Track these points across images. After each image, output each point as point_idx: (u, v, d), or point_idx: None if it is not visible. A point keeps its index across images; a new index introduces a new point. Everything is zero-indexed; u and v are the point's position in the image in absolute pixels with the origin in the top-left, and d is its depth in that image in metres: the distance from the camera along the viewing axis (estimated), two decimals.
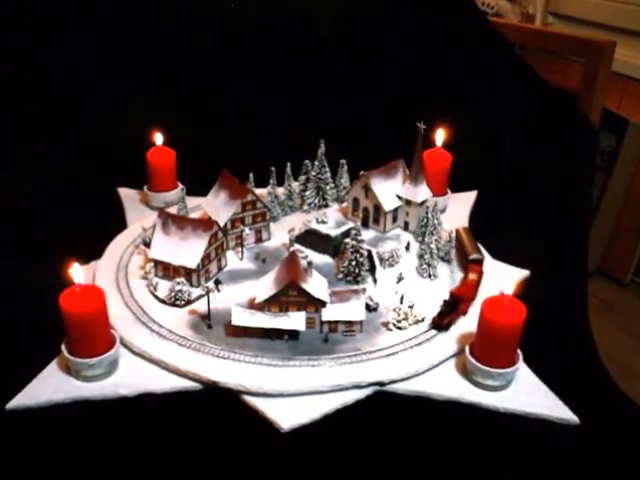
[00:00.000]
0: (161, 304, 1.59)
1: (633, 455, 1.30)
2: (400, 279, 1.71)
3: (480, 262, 1.71)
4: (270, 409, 1.32)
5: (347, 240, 1.70)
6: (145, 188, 2.08)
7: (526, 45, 2.99)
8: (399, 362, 1.43)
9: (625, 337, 2.67)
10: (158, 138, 2.05)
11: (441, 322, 1.52)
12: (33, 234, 1.84)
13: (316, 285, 1.53)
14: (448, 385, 1.41)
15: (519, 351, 1.40)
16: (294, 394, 1.35)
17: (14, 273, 1.70)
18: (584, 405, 1.36)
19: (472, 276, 1.66)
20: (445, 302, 1.56)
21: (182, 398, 1.36)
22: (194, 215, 1.93)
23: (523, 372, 1.43)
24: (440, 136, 2.05)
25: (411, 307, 1.56)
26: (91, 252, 1.76)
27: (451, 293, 1.59)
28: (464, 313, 1.57)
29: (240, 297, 1.62)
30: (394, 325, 1.53)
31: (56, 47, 2.32)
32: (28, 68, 2.27)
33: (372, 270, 1.74)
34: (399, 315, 1.54)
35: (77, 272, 1.34)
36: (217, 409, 1.34)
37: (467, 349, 1.42)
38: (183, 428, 1.29)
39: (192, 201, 1.98)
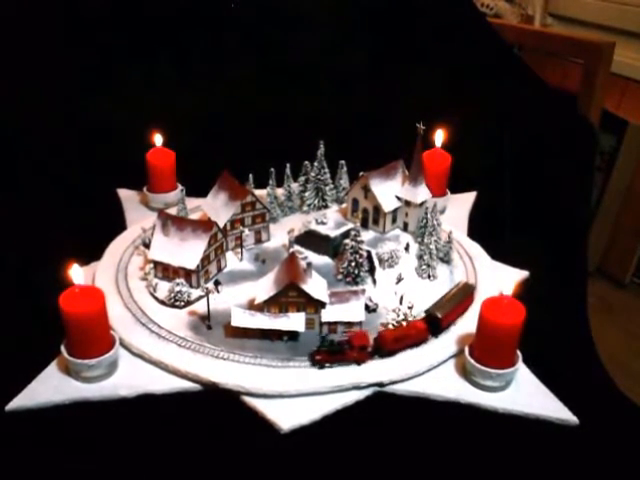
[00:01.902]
0: (161, 305, 1.59)
1: (632, 455, 1.30)
2: (399, 280, 1.71)
3: (432, 320, 1.52)
4: (270, 410, 1.32)
5: (346, 241, 1.70)
6: (145, 189, 2.09)
7: (525, 46, 2.99)
8: (399, 363, 1.43)
9: (624, 337, 2.67)
10: (158, 139, 2.05)
11: (312, 357, 1.42)
12: (33, 235, 1.84)
13: (315, 286, 1.53)
14: (447, 386, 1.41)
15: (518, 352, 1.40)
16: (294, 395, 1.35)
17: (14, 274, 1.70)
18: (583, 405, 1.36)
19: (400, 328, 1.49)
20: (331, 341, 1.44)
21: (182, 399, 1.36)
22: (194, 216, 1.93)
23: (523, 373, 1.44)
24: (439, 137, 2.05)
25: (410, 308, 1.55)
26: (91, 253, 1.77)
27: (349, 335, 1.46)
28: (357, 362, 1.42)
29: (240, 298, 1.62)
30: (393, 326, 1.53)
31: (56, 47, 2.32)
32: (28, 68, 2.27)
33: (371, 271, 1.74)
34: (398, 316, 1.54)
35: (77, 273, 1.34)
36: (217, 410, 1.34)
37: (466, 350, 1.42)
38: (183, 429, 1.29)
39: (192, 202, 1.98)
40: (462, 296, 1.59)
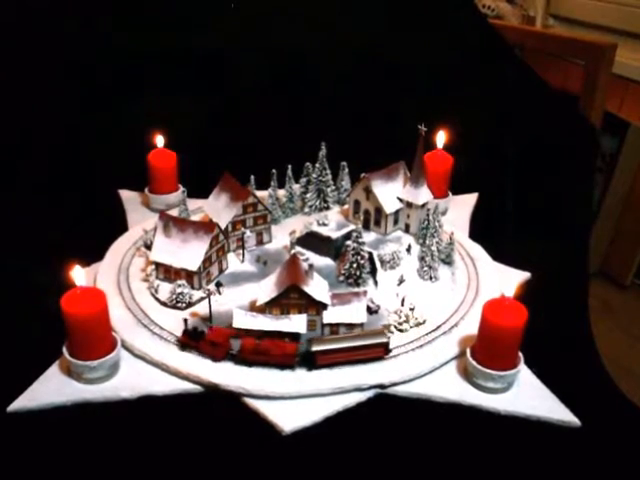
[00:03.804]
0: (162, 306, 1.59)
1: (633, 457, 1.30)
2: (401, 281, 1.71)
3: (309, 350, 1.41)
4: (271, 412, 1.32)
5: (348, 242, 1.70)
6: (146, 190, 2.09)
7: (527, 47, 2.99)
8: (400, 364, 1.43)
9: (626, 339, 2.67)
10: (159, 140, 2.05)
11: (179, 336, 1.46)
12: (34, 236, 1.84)
13: (317, 287, 1.53)
14: (449, 387, 1.41)
15: (520, 353, 1.40)
16: (295, 397, 1.35)
17: (16, 275, 1.70)
18: (585, 407, 1.36)
19: (268, 342, 1.42)
20: (195, 328, 1.45)
21: (183, 401, 1.36)
22: (195, 217, 1.93)
23: (524, 374, 1.43)
24: (441, 138, 2.05)
25: (412, 309, 1.56)
26: (92, 254, 1.77)
27: (210, 327, 1.46)
28: (212, 357, 1.42)
29: (241, 299, 1.62)
30: (395, 327, 1.53)
31: (57, 47, 2.32)
32: (29, 68, 2.28)
33: (373, 272, 1.74)
34: (400, 317, 1.54)
35: (78, 274, 1.34)
36: (218, 412, 1.34)
37: (468, 351, 1.42)
38: (184, 431, 1.29)
39: (193, 203, 1.98)
40: (363, 343, 1.42)
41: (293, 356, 1.40)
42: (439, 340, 1.52)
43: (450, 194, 2.12)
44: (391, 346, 1.47)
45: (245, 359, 1.41)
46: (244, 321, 1.45)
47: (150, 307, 1.59)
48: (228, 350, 1.43)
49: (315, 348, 1.40)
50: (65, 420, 1.31)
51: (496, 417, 1.35)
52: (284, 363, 1.41)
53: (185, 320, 1.49)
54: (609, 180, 2.92)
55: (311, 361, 1.41)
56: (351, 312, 1.50)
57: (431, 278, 1.73)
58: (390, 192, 1.91)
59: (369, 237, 1.89)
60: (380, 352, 1.43)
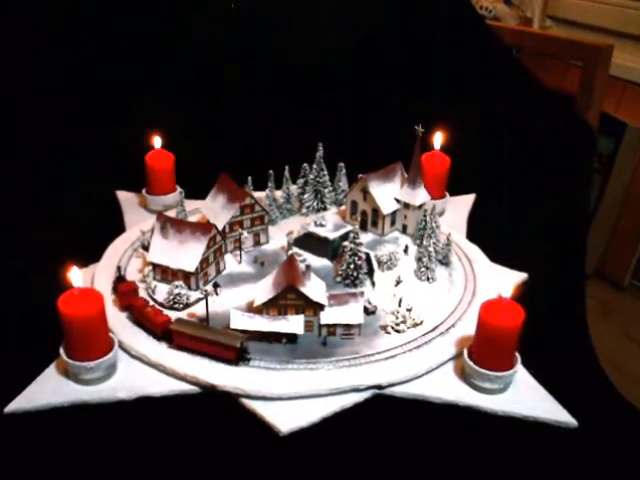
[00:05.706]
0: (160, 307, 1.59)
1: (631, 458, 1.30)
2: (398, 282, 1.71)
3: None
4: (269, 412, 1.32)
5: (345, 243, 1.70)
6: (144, 191, 2.08)
7: (524, 48, 2.99)
8: (397, 365, 1.43)
9: (623, 340, 2.67)
10: (157, 141, 2.05)
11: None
12: (32, 237, 1.84)
13: (314, 288, 1.53)
14: (446, 388, 1.41)
15: (517, 354, 1.40)
16: (293, 397, 1.35)
17: (13, 276, 1.70)
18: (582, 408, 1.36)
19: (152, 309, 1.51)
20: (123, 277, 1.64)
21: (180, 401, 1.36)
22: (193, 218, 1.93)
23: (521, 375, 1.44)
24: (438, 139, 2.05)
25: (409, 310, 1.56)
26: (90, 255, 1.77)
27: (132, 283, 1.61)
28: (119, 305, 1.57)
29: (238, 300, 1.62)
30: (392, 328, 1.53)
31: (56, 48, 2.32)
32: (29, 69, 2.28)
33: (370, 273, 1.74)
34: (397, 318, 1.54)
35: (76, 275, 1.34)
36: (215, 412, 1.34)
37: (465, 352, 1.42)
38: (182, 432, 1.29)
39: (191, 204, 1.98)
40: (215, 339, 1.41)
41: (160, 326, 1.46)
42: (436, 341, 1.52)
43: (447, 195, 2.13)
44: (387, 347, 1.48)
45: (134, 318, 1.53)
46: (241, 322, 1.45)
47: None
48: (128, 304, 1.54)
49: (174, 327, 1.44)
50: (62, 421, 1.30)
51: (493, 418, 1.36)
52: (153, 331, 1.48)
53: (119, 267, 1.67)
54: (606, 181, 2.92)
55: (168, 334, 1.46)
56: (348, 313, 1.50)
57: (428, 279, 1.73)
58: (387, 193, 1.91)
59: (366, 238, 1.90)
60: (231, 355, 1.40)
